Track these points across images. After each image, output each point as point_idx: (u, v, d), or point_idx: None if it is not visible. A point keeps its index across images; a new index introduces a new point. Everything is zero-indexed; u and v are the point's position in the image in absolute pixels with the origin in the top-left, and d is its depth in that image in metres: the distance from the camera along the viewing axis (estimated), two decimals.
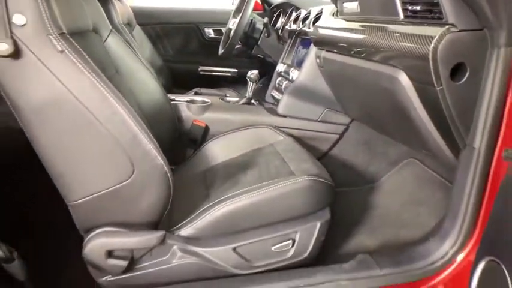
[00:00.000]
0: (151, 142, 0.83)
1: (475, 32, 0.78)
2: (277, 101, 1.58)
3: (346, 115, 1.49)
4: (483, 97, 0.80)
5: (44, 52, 0.72)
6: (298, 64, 1.60)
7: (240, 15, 1.74)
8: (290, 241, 0.97)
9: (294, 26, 1.74)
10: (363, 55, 1.08)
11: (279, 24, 2.03)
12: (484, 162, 0.83)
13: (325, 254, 1.08)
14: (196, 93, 1.83)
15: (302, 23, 1.63)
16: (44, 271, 0.93)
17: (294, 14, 1.81)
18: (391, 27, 0.95)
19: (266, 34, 1.92)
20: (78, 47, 0.77)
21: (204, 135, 1.43)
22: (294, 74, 1.57)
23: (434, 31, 0.79)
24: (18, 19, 0.69)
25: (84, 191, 0.83)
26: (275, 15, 2.16)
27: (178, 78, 2.34)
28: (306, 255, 0.99)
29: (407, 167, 1.50)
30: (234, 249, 0.94)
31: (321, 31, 1.33)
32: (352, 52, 1.13)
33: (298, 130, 1.47)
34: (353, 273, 0.93)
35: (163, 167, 0.85)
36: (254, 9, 1.77)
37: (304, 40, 1.64)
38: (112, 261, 0.88)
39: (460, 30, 0.78)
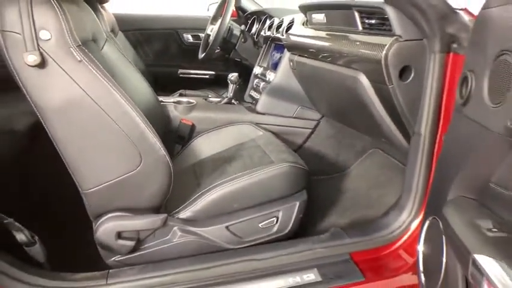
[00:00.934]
0: (156, 137, 0.96)
1: (417, 41, 0.98)
2: (256, 100, 1.73)
3: (317, 112, 1.66)
4: (425, 93, 0.99)
5: (66, 62, 0.84)
6: (273, 67, 1.77)
7: (219, 22, 1.88)
8: (274, 218, 1.13)
9: (268, 33, 1.90)
10: (329, 59, 1.26)
11: (253, 30, 2.19)
12: (429, 145, 1.02)
13: (304, 230, 1.24)
14: (181, 95, 1.94)
15: (276, 30, 1.80)
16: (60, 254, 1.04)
17: (268, 22, 1.97)
18: (352, 36, 1.14)
19: (243, 40, 2.10)
20: (92, 56, 0.89)
21: (190, 133, 1.56)
22: (270, 75, 1.73)
23: (385, 40, 0.99)
24: (44, 34, 0.81)
25: (97, 181, 0.96)
26: (249, 21, 2.32)
27: (159, 81, 2.43)
28: (288, 230, 1.15)
29: (372, 156, 1.68)
30: (227, 227, 1.09)
31: (293, 38, 1.51)
32: (320, 57, 1.31)
33: (276, 126, 1.62)
34: (328, 242, 1.10)
35: (165, 157, 0.98)
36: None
37: (278, 45, 1.81)
38: (121, 242, 1.01)
39: (405, 40, 0.98)
